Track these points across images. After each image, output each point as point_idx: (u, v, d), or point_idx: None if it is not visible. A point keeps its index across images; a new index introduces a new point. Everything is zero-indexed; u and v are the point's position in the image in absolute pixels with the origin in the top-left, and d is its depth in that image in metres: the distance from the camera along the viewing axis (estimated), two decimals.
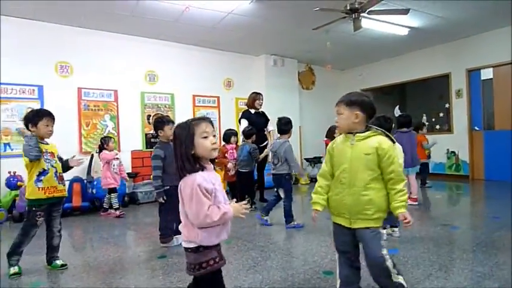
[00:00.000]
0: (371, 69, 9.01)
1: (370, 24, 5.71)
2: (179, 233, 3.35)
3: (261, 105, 5.40)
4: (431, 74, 7.71)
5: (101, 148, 5.15)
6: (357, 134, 1.89)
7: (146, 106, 6.33)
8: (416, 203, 4.97)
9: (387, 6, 5.08)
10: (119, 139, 5.98)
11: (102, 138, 5.27)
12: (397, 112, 8.49)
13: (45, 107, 5.27)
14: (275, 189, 4.05)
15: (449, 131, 7.44)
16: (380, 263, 1.81)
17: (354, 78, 9.44)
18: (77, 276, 2.66)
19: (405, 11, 4.68)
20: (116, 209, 4.92)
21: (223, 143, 5.19)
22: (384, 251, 1.82)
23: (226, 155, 4.98)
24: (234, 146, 5.08)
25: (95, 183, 5.26)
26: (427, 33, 6.62)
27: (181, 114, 6.68)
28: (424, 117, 7.97)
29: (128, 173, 5.79)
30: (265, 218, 4.06)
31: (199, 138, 1.56)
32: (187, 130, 1.56)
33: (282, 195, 3.98)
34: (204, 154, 1.57)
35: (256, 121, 5.21)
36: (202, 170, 1.55)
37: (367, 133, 1.89)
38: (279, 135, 4.10)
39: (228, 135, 5.12)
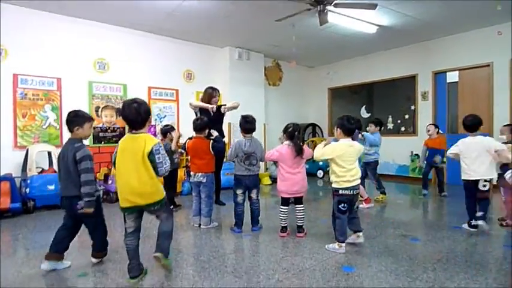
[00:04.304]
0: (339, 68, 8.82)
1: (338, 19, 5.43)
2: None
3: (216, 102, 4.94)
4: (398, 75, 7.60)
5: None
6: None
7: (94, 97, 5.75)
8: (372, 204, 4.80)
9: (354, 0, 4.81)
10: (61, 132, 5.39)
11: None
12: (363, 113, 8.36)
13: None
14: (239, 192, 3.67)
15: (414, 134, 7.34)
16: None
17: (322, 76, 9.23)
18: None
19: (373, 6, 4.42)
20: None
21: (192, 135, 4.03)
22: None
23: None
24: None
25: (29, 181, 4.67)
26: (396, 33, 6.44)
27: None
28: (390, 119, 7.85)
29: None
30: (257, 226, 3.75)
31: None
32: None
33: (256, 196, 3.71)
34: None
35: (211, 117, 4.72)
36: None
37: None
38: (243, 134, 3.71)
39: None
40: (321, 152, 3.11)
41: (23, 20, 5.05)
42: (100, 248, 2.82)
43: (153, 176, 2.38)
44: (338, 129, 3.10)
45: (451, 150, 3.74)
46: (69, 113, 2.72)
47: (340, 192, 3.01)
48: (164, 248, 2.50)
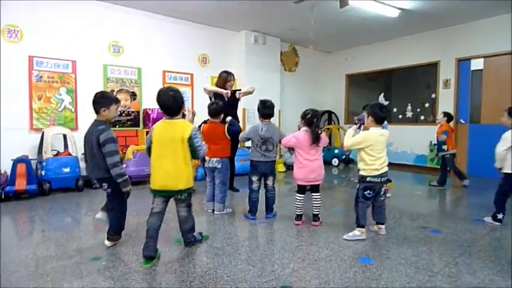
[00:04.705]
0: (358, 53, 8.58)
1: (359, 2, 5.22)
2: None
3: (231, 87, 4.82)
4: (419, 62, 7.33)
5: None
6: None
7: (109, 80, 5.72)
8: (390, 194, 4.67)
9: None
10: (77, 115, 5.40)
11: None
12: (381, 100, 8.13)
13: None
14: (254, 179, 3.59)
15: (433, 123, 7.10)
16: None
17: (339, 62, 9.00)
18: None
19: None
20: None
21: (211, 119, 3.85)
22: None
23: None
24: None
25: (44, 164, 4.69)
26: (418, 17, 6.17)
27: (150, 91, 6.12)
28: (409, 107, 7.62)
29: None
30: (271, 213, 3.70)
31: None
32: None
33: (272, 183, 3.63)
34: None
35: (226, 101, 4.61)
36: None
37: None
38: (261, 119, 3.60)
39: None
40: (351, 141, 3.03)
41: (38, 1, 5.01)
42: (116, 231, 2.82)
43: (188, 162, 2.50)
44: (370, 117, 2.98)
45: (502, 148, 3.36)
46: (96, 94, 2.73)
47: (368, 179, 2.94)
48: (192, 240, 2.78)
